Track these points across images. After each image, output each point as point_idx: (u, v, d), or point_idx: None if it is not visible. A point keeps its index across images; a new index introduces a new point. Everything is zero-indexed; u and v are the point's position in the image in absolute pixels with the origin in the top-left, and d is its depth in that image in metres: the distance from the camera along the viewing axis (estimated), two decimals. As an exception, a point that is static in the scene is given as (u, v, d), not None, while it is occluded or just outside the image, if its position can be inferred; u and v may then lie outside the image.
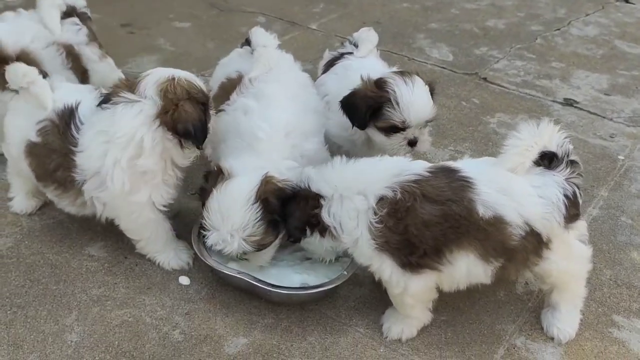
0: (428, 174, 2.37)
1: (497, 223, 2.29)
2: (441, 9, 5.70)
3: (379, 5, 5.70)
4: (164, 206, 2.69)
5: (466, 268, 2.37)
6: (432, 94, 2.92)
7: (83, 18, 3.50)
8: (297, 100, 2.89)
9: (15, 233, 2.97)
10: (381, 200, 2.32)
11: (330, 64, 3.42)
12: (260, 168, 2.54)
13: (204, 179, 2.66)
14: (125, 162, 2.52)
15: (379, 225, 2.31)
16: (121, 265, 2.84)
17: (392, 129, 2.84)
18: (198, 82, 2.63)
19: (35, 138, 2.68)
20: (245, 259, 2.63)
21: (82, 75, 3.48)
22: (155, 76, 2.57)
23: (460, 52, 4.92)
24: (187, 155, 2.65)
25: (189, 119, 2.51)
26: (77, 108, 2.65)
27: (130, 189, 2.57)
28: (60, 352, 2.44)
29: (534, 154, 2.35)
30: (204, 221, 2.53)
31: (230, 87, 3.00)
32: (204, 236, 2.65)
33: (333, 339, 2.55)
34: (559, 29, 5.38)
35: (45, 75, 2.81)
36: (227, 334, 2.55)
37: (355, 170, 2.46)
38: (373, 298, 2.75)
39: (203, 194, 2.60)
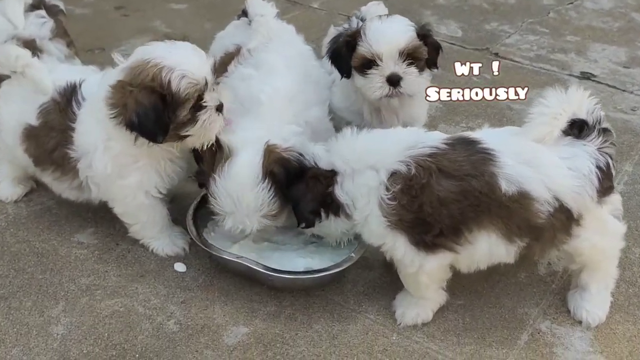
0: (445, 146, 2.17)
1: (522, 199, 2.09)
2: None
3: (383, -17, 5.47)
4: (161, 192, 2.51)
5: (487, 248, 2.17)
6: (426, 37, 2.64)
7: (53, 11, 3.21)
8: (298, 69, 2.71)
9: (0, 220, 2.78)
10: (394, 175, 2.13)
11: (336, 40, 3.22)
12: (261, 138, 2.35)
13: (195, 159, 2.47)
14: (102, 143, 2.37)
15: (392, 203, 2.12)
16: (112, 253, 2.64)
17: (366, 65, 2.59)
18: (170, 72, 2.23)
19: (35, 121, 2.53)
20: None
21: None
22: (133, 56, 2.34)
23: (469, 28, 4.69)
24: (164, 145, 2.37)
25: (134, 109, 2.22)
26: (80, 85, 2.50)
27: (114, 172, 2.40)
28: (45, 346, 2.25)
29: (563, 122, 2.14)
30: (214, 206, 2.35)
31: (228, 60, 2.82)
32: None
33: (341, 326, 2.35)
34: (571, 3, 5.13)
35: (38, 56, 2.65)
36: (226, 323, 2.35)
37: (366, 142, 2.27)
38: (384, 282, 2.54)
39: (201, 177, 2.42)
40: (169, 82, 2.20)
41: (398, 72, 2.55)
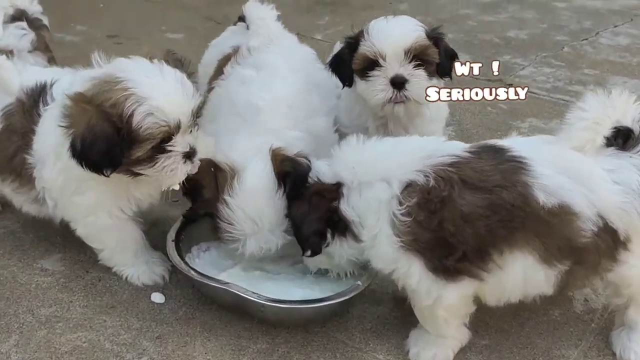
0: (468, 154, 1.86)
1: (563, 214, 1.77)
2: (457, 21, 5.27)
3: (389, 18, 5.28)
4: (127, 213, 2.17)
5: (522, 274, 1.83)
6: (437, 40, 2.35)
7: (35, 25, 3.03)
8: (301, 73, 2.47)
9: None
10: (409, 187, 1.82)
11: None
12: (264, 144, 2.09)
13: (184, 193, 2.17)
14: (54, 149, 2.06)
15: (406, 219, 1.79)
16: (80, 281, 2.30)
17: (368, 66, 2.29)
18: (136, 104, 1.87)
19: None
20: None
21: None
22: (109, 67, 2.00)
23: (481, 60, 4.43)
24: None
25: (82, 133, 1.88)
26: (51, 86, 2.20)
27: (68, 185, 2.10)
28: (-12, 387, 1.87)
29: (606, 129, 1.83)
30: (228, 233, 2.05)
31: (225, 63, 2.58)
32: (179, 246, 2.17)
33: (345, 368, 1.98)
34: (586, 39, 4.91)
35: (8, 57, 2.42)
36: (208, 362, 1.98)
37: (377, 150, 1.97)
38: (394, 318, 2.18)
39: (203, 206, 2.12)
40: (131, 115, 1.85)
41: (403, 74, 2.26)
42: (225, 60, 2.62)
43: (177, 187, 2.06)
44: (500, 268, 1.81)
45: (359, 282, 2.06)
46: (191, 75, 2.10)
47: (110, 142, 1.86)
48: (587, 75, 4.22)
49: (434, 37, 2.35)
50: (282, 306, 1.98)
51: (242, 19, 2.77)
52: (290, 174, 2.02)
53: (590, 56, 4.58)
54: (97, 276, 2.31)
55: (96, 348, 2.01)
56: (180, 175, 2.00)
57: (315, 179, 2.00)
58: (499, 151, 1.88)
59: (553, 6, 5.70)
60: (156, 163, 1.93)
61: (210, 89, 2.61)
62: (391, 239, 1.82)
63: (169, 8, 5.28)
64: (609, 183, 1.80)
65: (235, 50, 2.60)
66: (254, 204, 2.00)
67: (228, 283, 2.03)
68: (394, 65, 2.26)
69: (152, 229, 2.43)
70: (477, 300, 1.95)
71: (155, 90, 1.88)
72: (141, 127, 1.85)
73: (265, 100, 2.26)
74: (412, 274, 1.84)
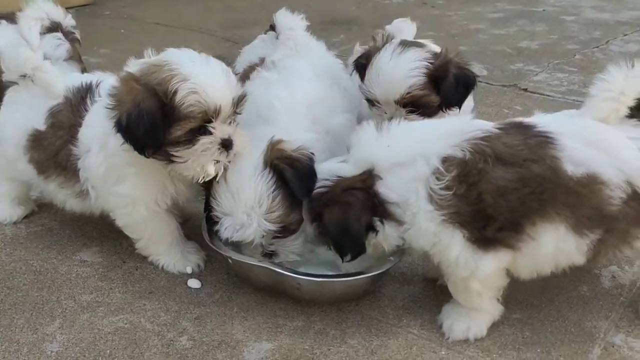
0: (498, 130, 1.92)
1: (592, 183, 1.82)
2: (468, 35, 5.39)
3: (402, 35, 5.40)
4: (163, 206, 2.24)
5: (554, 244, 1.87)
6: (441, 79, 2.33)
7: (69, 37, 3.18)
8: (325, 76, 2.52)
9: (-4, 241, 2.53)
10: (446, 161, 1.85)
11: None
12: (269, 135, 2.13)
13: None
14: (100, 139, 2.14)
15: (446, 193, 1.83)
16: (118, 270, 2.36)
17: (369, 101, 2.40)
18: (181, 82, 1.94)
19: (42, 126, 2.32)
20: (272, 253, 2.15)
21: None
22: (159, 55, 2.10)
23: (494, 68, 4.53)
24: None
25: (128, 109, 1.94)
26: (97, 85, 2.30)
27: (109, 174, 2.17)
28: (36, 364, 1.93)
29: (630, 100, 1.89)
30: (215, 213, 2.09)
31: (251, 72, 2.64)
32: (216, 231, 2.21)
33: (380, 341, 2.02)
34: (597, 47, 5.01)
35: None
36: (246, 339, 2.03)
37: (407, 130, 2.00)
38: (425, 297, 2.23)
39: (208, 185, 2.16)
40: (176, 91, 1.92)
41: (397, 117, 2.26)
42: (250, 69, 2.68)
43: (212, 172, 2.05)
44: (533, 239, 1.86)
45: (391, 258, 2.11)
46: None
47: (154, 118, 1.92)
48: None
49: (438, 75, 2.31)
50: (317, 280, 2.04)
51: (272, 27, 2.82)
52: (286, 171, 2.03)
53: (602, 62, 4.65)
54: (134, 266, 2.37)
55: (138, 328, 2.06)
56: (212, 162, 2.02)
57: (335, 178, 1.99)
58: (526, 127, 1.93)
59: (562, 19, 5.82)
60: (194, 145, 1.98)
61: None
62: (432, 214, 1.85)
63: (187, 32, 5.43)
64: (635, 151, 1.85)
65: (261, 61, 2.65)
66: (235, 182, 2.04)
67: (266, 261, 2.08)
68: (390, 108, 2.34)
69: (185, 223, 2.51)
70: (509, 275, 2.00)
71: (200, 72, 1.95)
72: (184, 103, 1.91)
73: (281, 100, 2.30)
74: (454, 246, 1.87)
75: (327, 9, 6.13)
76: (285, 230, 2.08)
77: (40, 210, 2.71)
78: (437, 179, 1.84)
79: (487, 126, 1.95)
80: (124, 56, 4.86)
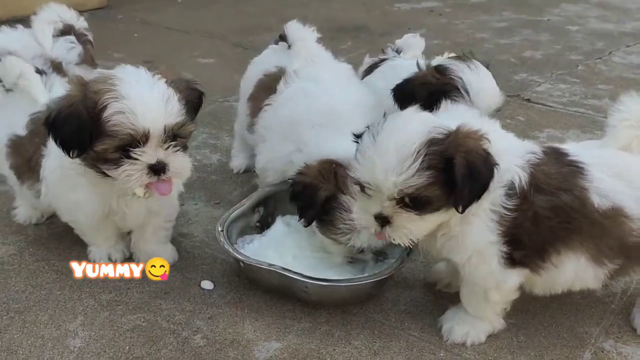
0: (542, 155, 1.96)
1: (616, 216, 1.90)
2: (474, 44, 5.49)
3: (409, 43, 5.52)
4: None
5: (573, 272, 1.97)
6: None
7: (82, 40, 3.26)
8: (351, 84, 2.69)
9: (20, 241, 2.65)
10: (518, 180, 1.88)
11: (371, 69, 3.21)
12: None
13: (298, 188, 2.26)
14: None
15: (509, 211, 1.87)
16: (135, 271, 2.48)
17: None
18: (114, 99, 1.95)
19: (22, 131, 2.41)
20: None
21: None
22: (117, 68, 2.12)
23: (498, 78, 4.53)
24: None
25: (61, 106, 2.01)
26: None
27: (63, 181, 2.25)
28: (60, 358, 2.06)
29: None
30: (343, 224, 2.20)
31: (272, 81, 2.77)
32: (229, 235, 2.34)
33: (383, 343, 2.14)
34: (600, 58, 5.11)
35: (42, 73, 2.55)
36: (256, 338, 2.15)
37: (497, 132, 2.01)
38: (426, 301, 2.35)
39: (319, 205, 2.22)
40: (105, 107, 1.94)
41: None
42: (270, 78, 2.80)
43: (140, 194, 2.11)
44: (556, 267, 1.94)
45: (395, 263, 2.23)
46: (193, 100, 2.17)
47: (80, 122, 1.96)
48: (601, 90, 4.41)
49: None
50: (324, 284, 2.16)
51: (283, 38, 2.93)
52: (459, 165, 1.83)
53: (604, 73, 4.77)
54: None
55: (155, 326, 2.19)
56: (138, 185, 2.06)
57: (445, 128, 1.85)
58: (561, 154, 1.99)
59: (566, 29, 5.93)
60: (119, 166, 2.01)
61: (252, 107, 2.81)
62: (490, 226, 1.88)
63: (198, 37, 5.56)
64: None
65: (281, 70, 2.76)
66: (387, 142, 1.84)
67: (274, 265, 2.21)
68: None
69: (193, 225, 2.64)
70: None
71: (136, 95, 1.96)
72: (109, 121, 1.94)
73: (341, 103, 2.44)
74: (491, 262, 1.93)
75: (334, 16, 6.26)
76: (417, 201, 1.84)
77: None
78: (507, 195, 1.86)
79: (537, 149, 1.98)
80: (137, 60, 4.99)
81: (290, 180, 2.31)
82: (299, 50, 2.79)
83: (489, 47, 5.40)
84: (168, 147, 2.04)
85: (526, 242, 1.91)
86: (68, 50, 3.11)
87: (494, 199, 1.87)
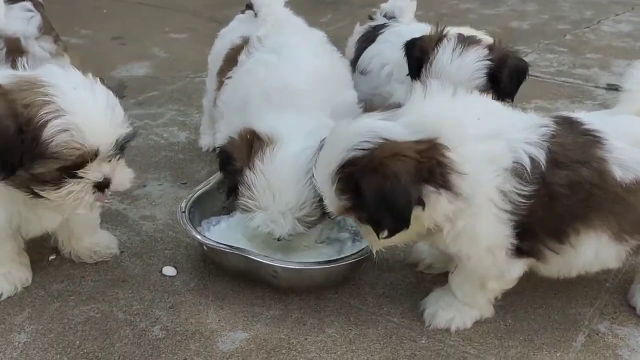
0: (555, 126, 1.75)
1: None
2: (458, 15, 5.31)
3: (390, 15, 5.31)
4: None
5: (594, 252, 1.77)
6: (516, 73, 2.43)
7: (35, 3, 2.89)
8: (321, 51, 2.46)
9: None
10: (531, 159, 1.67)
11: (367, 37, 3.03)
12: (314, 129, 2.03)
13: (220, 157, 2.12)
14: None
15: (521, 195, 1.65)
16: (91, 257, 2.29)
17: None
18: (54, 115, 1.67)
19: None
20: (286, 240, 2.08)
21: None
22: (43, 68, 1.85)
23: (483, 49, 4.46)
24: None
25: None
26: None
27: None
28: (2, 355, 1.86)
29: None
30: (244, 199, 1.99)
31: (236, 54, 2.56)
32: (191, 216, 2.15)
33: (359, 330, 1.96)
34: (588, 27, 4.94)
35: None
36: (221, 328, 1.97)
37: (490, 105, 1.85)
38: (407, 284, 2.17)
39: (232, 175, 2.05)
40: (43, 124, 1.65)
41: None
42: (235, 50, 2.59)
43: (85, 211, 1.87)
44: (574, 248, 1.75)
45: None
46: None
47: (8, 141, 1.64)
48: (590, 60, 4.24)
49: (496, 71, 2.40)
50: (294, 267, 1.98)
51: (249, 6, 2.73)
52: None
53: (592, 42, 4.60)
54: (108, 253, 2.31)
55: (109, 318, 2.00)
56: (85, 206, 1.82)
57: (378, 140, 1.62)
58: (574, 123, 1.79)
59: (554, -1, 5.75)
60: (62, 188, 1.75)
61: (220, 82, 2.60)
62: (498, 212, 1.66)
63: (171, 12, 5.33)
64: None
65: (245, 41, 2.56)
66: (280, 177, 1.94)
67: (240, 248, 2.02)
68: None
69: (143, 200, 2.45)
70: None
71: (80, 107, 1.68)
72: (51, 141, 1.65)
73: (295, 81, 2.22)
74: (500, 251, 1.74)
75: (314, -12, 6.02)
76: (311, 228, 2.01)
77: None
78: (518, 175, 1.64)
79: (548, 121, 1.77)
80: (105, 37, 4.79)
81: (217, 149, 2.16)
82: (266, 16, 2.58)
83: (474, 18, 5.21)
84: (111, 160, 1.82)
85: (538, 231, 1.71)
86: (26, 22, 2.77)
87: (502, 185, 1.65)
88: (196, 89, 3.70)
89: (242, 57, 2.51)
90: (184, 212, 2.18)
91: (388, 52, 2.82)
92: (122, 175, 1.88)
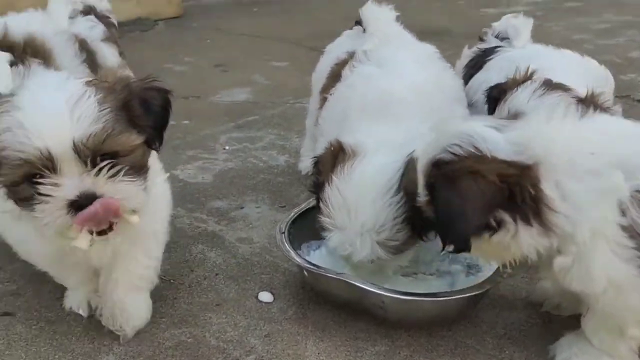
0: None
1: None
2: (571, 46, 4.91)
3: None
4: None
5: None
6: None
7: (105, 22, 2.95)
8: (430, 66, 2.29)
9: (63, 243, 2.39)
10: None
11: (475, 63, 2.80)
12: (401, 144, 1.85)
13: (315, 169, 1.99)
14: None
15: None
16: (185, 279, 2.16)
17: None
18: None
19: None
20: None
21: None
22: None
23: (602, 78, 4.13)
24: None
25: None
26: None
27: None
28: (89, 377, 1.74)
29: None
30: (322, 216, 1.84)
31: (341, 69, 2.42)
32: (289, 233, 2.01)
33: (478, 374, 1.71)
34: None
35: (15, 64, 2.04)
36: (321, 362, 1.77)
37: (603, 129, 1.58)
38: (532, 325, 1.90)
39: (317, 188, 1.92)
40: None
41: None
42: (340, 66, 2.45)
43: (83, 246, 1.49)
44: None
45: (490, 275, 1.81)
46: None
47: None
48: None
49: None
50: (404, 298, 1.76)
51: (358, 22, 2.61)
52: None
53: None
54: (202, 275, 2.17)
55: (201, 344, 1.85)
56: (54, 230, 1.46)
57: (472, 150, 1.48)
58: None
59: (678, 30, 5.32)
60: (33, 205, 1.44)
61: (323, 99, 2.47)
62: (622, 247, 1.45)
63: (272, 42, 5.31)
64: None
65: (351, 56, 2.42)
66: (355, 195, 1.77)
67: (345, 274, 1.83)
68: None
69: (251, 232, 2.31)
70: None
71: (30, 104, 1.41)
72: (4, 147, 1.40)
73: (397, 87, 2.07)
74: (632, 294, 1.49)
75: (413, 21, 5.84)
76: (396, 254, 1.82)
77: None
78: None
79: None
80: (208, 64, 4.82)
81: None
82: (375, 31, 2.43)
83: (589, 48, 4.85)
84: (99, 172, 1.44)
85: None
86: (89, 28, 2.81)
87: (621, 219, 1.43)
88: (296, 114, 3.60)
89: (345, 72, 2.36)
90: (283, 232, 2.02)
91: (497, 81, 2.57)
92: (121, 192, 1.47)
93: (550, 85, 2.13)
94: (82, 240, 1.48)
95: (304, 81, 4.12)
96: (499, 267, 1.82)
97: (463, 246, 1.56)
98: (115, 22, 3.00)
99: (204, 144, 3.23)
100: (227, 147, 3.20)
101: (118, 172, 1.45)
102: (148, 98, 1.55)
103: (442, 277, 2.01)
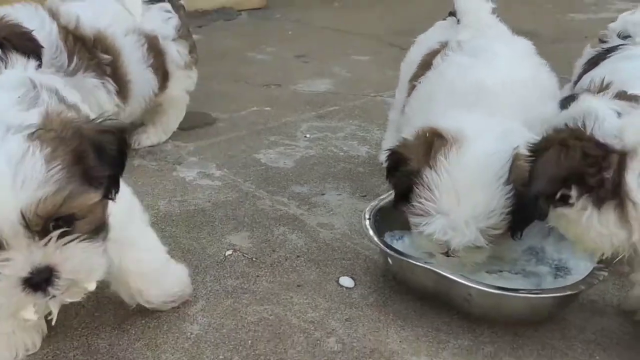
0: None
1: None
2: None
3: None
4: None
5: None
6: None
7: (175, 5, 2.89)
8: (526, 59, 2.22)
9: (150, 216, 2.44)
10: None
11: (595, 61, 2.70)
12: (503, 133, 1.82)
13: (391, 159, 1.93)
14: None
15: None
16: (267, 258, 2.18)
17: None
18: None
19: None
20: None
21: (163, 78, 2.84)
22: None
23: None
24: None
25: None
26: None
27: None
28: (174, 343, 1.77)
29: None
30: (421, 203, 1.77)
31: (432, 58, 2.38)
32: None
33: (567, 377, 1.66)
34: None
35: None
36: (402, 350, 1.75)
37: None
38: (624, 333, 1.83)
39: (404, 178, 1.85)
40: None
41: None
42: (431, 55, 2.41)
43: (31, 317, 1.37)
44: None
45: (581, 279, 1.75)
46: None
47: None
48: None
49: None
50: (494, 292, 1.72)
51: (452, 13, 2.56)
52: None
53: None
54: (283, 256, 2.18)
55: (283, 322, 1.86)
56: (13, 309, 1.34)
57: (579, 126, 1.50)
58: None
59: None
60: None
61: (412, 87, 2.44)
62: None
63: (353, 36, 5.30)
64: None
65: (443, 46, 2.38)
66: (469, 178, 1.72)
67: (432, 263, 1.80)
68: None
69: (332, 218, 2.30)
70: None
71: None
72: None
73: (491, 79, 2.01)
74: None
75: (503, 21, 5.76)
76: (492, 242, 1.77)
77: (195, 190, 2.62)
78: None
79: None
80: (289, 55, 4.86)
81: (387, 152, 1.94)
82: (469, 22, 2.38)
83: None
84: (50, 240, 1.26)
85: None
86: (164, 22, 2.80)
87: None
88: (377, 107, 3.58)
89: (437, 60, 2.32)
90: (369, 218, 2.01)
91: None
92: (78, 262, 1.31)
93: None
94: (29, 312, 1.36)
95: (385, 76, 4.12)
96: (593, 270, 1.76)
97: (533, 206, 1.56)
98: (184, 2, 2.97)
99: (285, 131, 3.26)
100: (308, 135, 3.21)
101: (73, 239, 1.29)
102: (103, 144, 1.34)
103: (527, 277, 1.95)
